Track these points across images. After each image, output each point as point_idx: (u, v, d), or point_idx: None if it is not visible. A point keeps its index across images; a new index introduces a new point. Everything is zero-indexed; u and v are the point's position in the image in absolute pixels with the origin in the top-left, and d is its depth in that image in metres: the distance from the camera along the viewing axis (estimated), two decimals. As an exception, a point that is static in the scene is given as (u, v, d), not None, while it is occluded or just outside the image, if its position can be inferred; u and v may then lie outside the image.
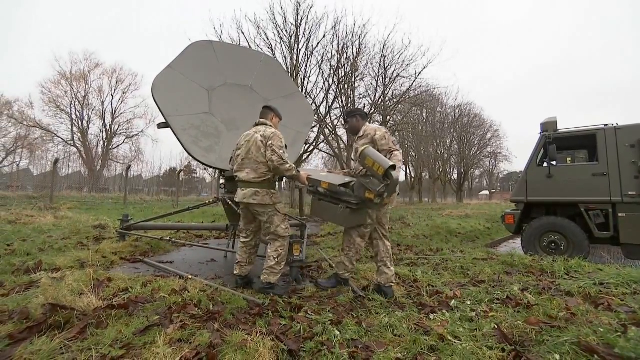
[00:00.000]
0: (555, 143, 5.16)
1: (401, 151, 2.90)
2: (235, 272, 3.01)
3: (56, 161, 12.06)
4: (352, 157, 2.65)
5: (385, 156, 2.68)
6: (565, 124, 5.42)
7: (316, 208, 2.94)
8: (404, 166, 31.71)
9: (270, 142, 2.76)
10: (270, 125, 2.95)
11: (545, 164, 5.44)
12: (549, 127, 5.40)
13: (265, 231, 2.92)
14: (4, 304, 2.21)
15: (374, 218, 2.81)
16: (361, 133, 2.97)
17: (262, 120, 3.00)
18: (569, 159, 5.38)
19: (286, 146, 2.97)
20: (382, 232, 2.92)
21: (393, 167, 2.41)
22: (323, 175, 2.97)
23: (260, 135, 2.81)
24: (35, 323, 1.89)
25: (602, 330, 1.88)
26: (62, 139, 29.39)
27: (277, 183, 3.01)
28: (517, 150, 54.04)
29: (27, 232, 5.12)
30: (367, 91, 17.90)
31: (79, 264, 3.51)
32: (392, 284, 2.81)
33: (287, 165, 2.75)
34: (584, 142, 5.34)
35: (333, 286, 2.88)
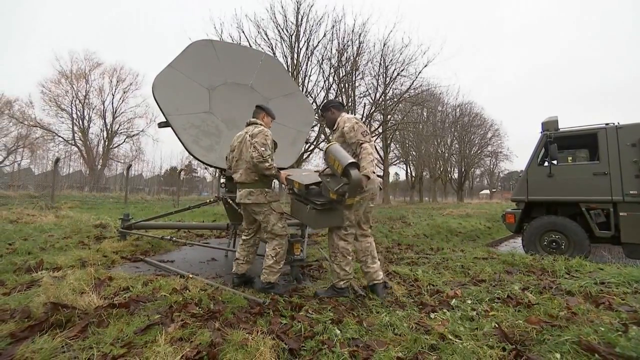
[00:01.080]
0: (556, 142, 5.16)
1: (372, 143, 2.69)
2: (232, 270, 3.04)
3: (57, 160, 12.07)
4: None
5: (355, 150, 2.57)
6: (566, 123, 5.43)
7: (293, 208, 2.93)
8: (403, 165, 31.70)
9: (254, 139, 2.76)
10: (260, 124, 2.95)
11: (546, 163, 5.44)
12: (549, 126, 5.39)
13: (262, 230, 2.94)
14: (5, 303, 2.22)
15: (353, 219, 2.66)
16: (335, 126, 2.82)
17: (252, 120, 3.00)
18: (569, 158, 5.38)
19: (276, 144, 2.96)
20: (360, 232, 2.80)
21: (353, 165, 2.25)
22: (303, 175, 2.93)
23: (249, 135, 2.83)
24: (37, 322, 1.90)
25: (602, 329, 1.88)
26: (62, 138, 29.43)
27: (272, 181, 2.99)
28: (518, 150, 53.92)
29: (29, 231, 5.13)
30: (367, 90, 17.90)
31: (80, 263, 3.51)
32: (377, 282, 2.71)
33: (267, 164, 2.69)
34: (585, 141, 5.33)
35: (330, 297, 2.64)
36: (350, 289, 2.76)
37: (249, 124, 2.99)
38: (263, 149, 2.71)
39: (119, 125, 31.79)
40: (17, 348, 1.63)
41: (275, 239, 2.83)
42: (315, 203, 2.51)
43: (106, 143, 31.15)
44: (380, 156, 22.61)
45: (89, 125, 30.47)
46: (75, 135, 29.74)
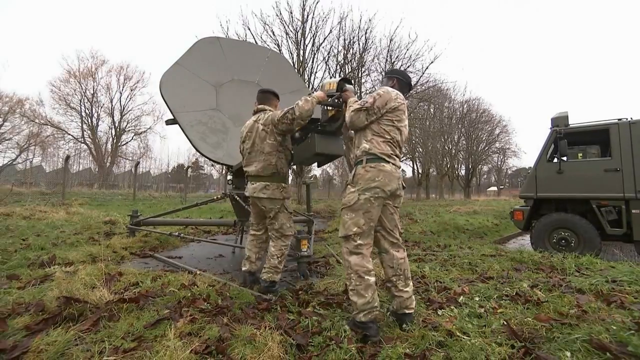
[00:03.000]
0: (566, 138, 5.07)
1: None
2: (244, 268, 2.86)
3: (67, 158, 12.26)
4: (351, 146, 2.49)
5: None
6: (577, 119, 5.32)
7: (298, 154, 3.00)
8: (410, 161, 31.50)
9: (275, 117, 2.60)
10: (270, 111, 2.75)
11: (555, 160, 5.35)
12: (559, 122, 5.30)
13: (269, 227, 2.78)
14: (20, 297, 2.28)
15: (362, 224, 1.99)
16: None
17: (261, 106, 2.80)
18: (580, 154, 5.28)
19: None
20: (389, 241, 2.16)
21: (344, 80, 2.51)
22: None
23: (261, 124, 2.65)
24: (51, 315, 1.94)
25: (614, 327, 1.85)
26: (72, 136, 29.89)
27: (288, 176, 2.87)
28: (527, 146, 53.11)
29: (41, 227, 5.24)
30: (373, 86, 17.76)
31: (91, 259, 3.58)
32: (408, 312, 2.03)
33: (301, 104, 2.46)
34: (597, 137, 5.23)
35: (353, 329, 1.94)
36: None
37: (257, 111, 2.80)
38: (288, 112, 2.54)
39: (127, 123, 32.15)
40: (32, 340, 1.67)
41: (281, 239, 2.72)
42: (315, 126, 2.68)
43: (114, 140, 31.54)
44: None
45: (97, 123, 30.88)
46: (85, 133, 30.17)
